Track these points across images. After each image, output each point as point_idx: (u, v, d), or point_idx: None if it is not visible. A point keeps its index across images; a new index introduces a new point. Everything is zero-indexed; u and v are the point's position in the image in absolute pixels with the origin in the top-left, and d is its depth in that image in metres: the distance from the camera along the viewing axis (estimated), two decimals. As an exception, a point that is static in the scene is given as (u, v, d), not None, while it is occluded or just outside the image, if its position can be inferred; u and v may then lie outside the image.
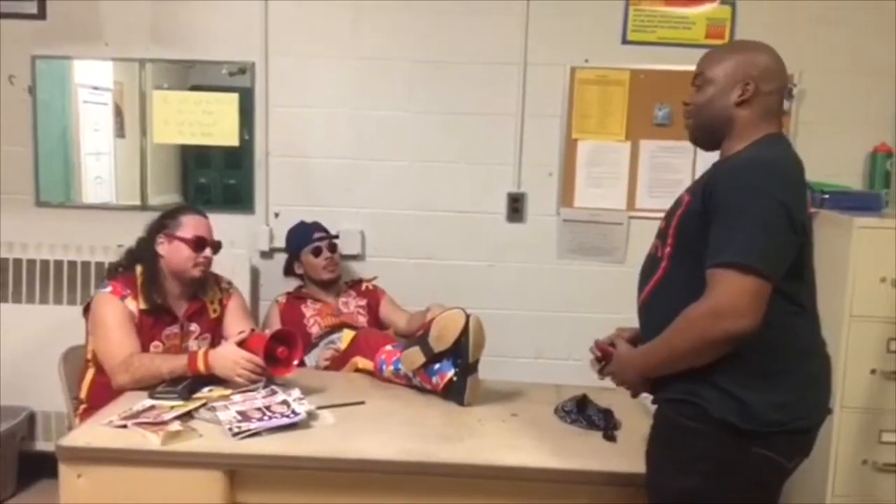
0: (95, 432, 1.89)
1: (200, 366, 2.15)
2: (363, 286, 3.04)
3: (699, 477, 1.52)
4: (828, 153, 2.95)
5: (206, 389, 2.12)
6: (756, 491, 1.54)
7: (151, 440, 1.83)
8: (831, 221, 2.61)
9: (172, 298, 2.37)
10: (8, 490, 3.02)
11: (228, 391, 2.10)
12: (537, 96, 3.11)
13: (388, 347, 2.43)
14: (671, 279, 1.60)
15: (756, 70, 1.59)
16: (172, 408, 2.00)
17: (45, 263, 3.08)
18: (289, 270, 3.03)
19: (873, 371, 2.55)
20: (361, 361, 2.48)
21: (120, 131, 3.20)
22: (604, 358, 1.76)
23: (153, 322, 2.32)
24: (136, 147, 3.16)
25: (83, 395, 2.31)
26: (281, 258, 3.10)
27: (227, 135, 3.14)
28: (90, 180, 3.22)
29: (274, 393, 2.07)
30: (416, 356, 2.24)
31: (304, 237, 2.96)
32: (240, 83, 3.12)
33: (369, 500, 1.88)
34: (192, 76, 3.16)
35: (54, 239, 3.09)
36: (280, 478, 1.86)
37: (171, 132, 3.15)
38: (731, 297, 1.43)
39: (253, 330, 2.32)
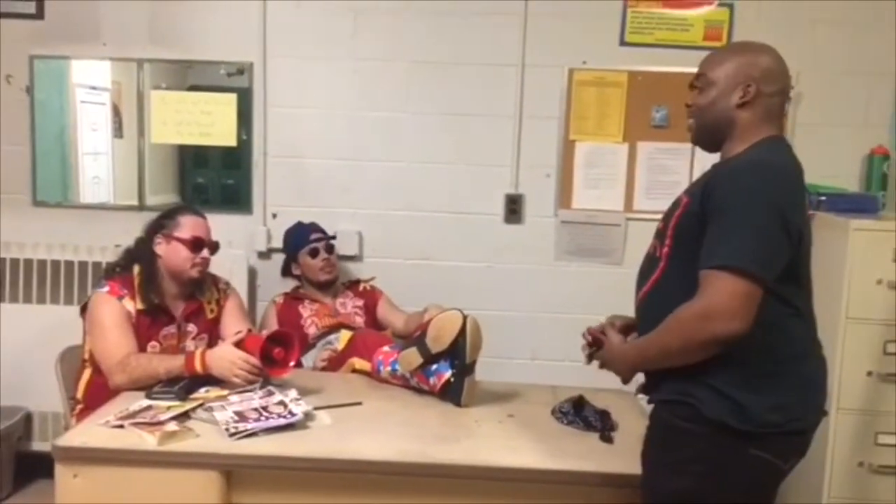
0: (92, 432, 1.89)
1: (197, 366, 2.15)
2: (361, 287, 3.04)
3: (694, 478, 1.52)
4: (825, 155, 2.95)
5: (202, 390, 2.12)
6: (751, 492, 1.54)
7: (148, 440, 1.83)
8: (828, 223, 2.61)
9: (170, 299, 2.37)
10: (4, 490, 3.01)
11: (225, 392, 2.10)
12: (535, 98, 3.11)
13: (386, 348, 2.43)
14: (669, 279, 1.60)
15: (757, 71, 1.59)
16: (169, 408, 2.00)
17: (42, 263, 3.08)
18: (286, 271, 3.03)
19: (870, 373, 2.55)
20: (359, 362, 2.47)
21: (118, 131, 3.19)
22: (594, 344, 1.80)
23: (150, 322, 2.32)
24: (133, 147, 3.16)
25: (80, 395, 2.31)
26: (278, 259, 3.10)
27: (224, 135, 3.14)
28: (88, 180, 3.22)
29: (271, 393, 2.07)
30: (413, 357, 2.24)
31: (302, 238, 2.96)
32: (238, 83, 3.12)
33: (366, 501, 1.88)
34: (190, 76, 3.16)
35: (51, 239, 3.09)
36: (277, 478, 1.86)
37: (169, 132, 3.15)
38: (722, 300, 1.43)
39: (250, 330, 2.33)
